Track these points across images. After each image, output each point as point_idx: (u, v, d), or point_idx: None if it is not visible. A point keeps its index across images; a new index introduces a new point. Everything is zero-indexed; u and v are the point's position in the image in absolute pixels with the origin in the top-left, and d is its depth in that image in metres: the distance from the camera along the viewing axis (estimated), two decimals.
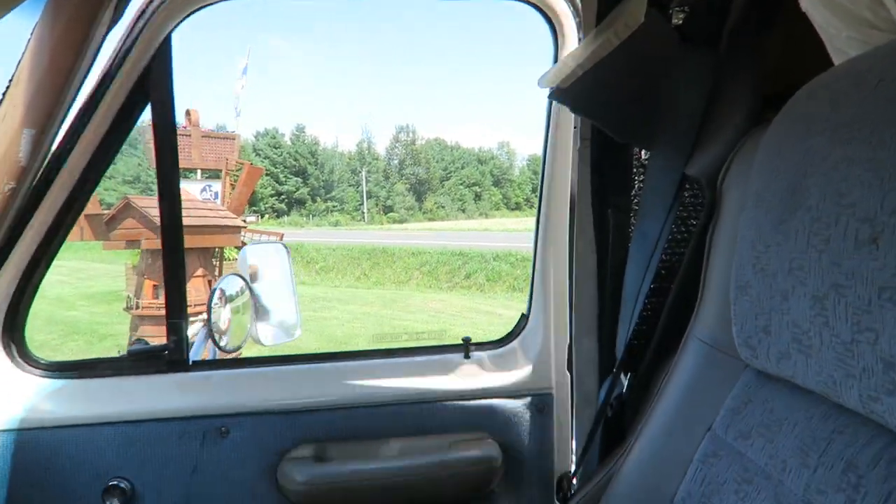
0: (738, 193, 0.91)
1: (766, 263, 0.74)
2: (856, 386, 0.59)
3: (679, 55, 1.07)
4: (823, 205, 0.64)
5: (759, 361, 0.76)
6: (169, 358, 1.46)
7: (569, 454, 1.44)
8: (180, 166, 1.43)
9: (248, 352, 1.97)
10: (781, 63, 1.07)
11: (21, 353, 1.41)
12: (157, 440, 1.41)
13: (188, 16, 1.36)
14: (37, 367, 1.42)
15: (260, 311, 1.82)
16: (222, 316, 1.69)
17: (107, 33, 1.15)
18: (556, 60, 1.46)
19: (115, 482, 1.38)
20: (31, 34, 1.11)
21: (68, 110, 1.20)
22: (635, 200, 1.21)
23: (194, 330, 1.81)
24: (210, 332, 1.62)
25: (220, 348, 1.64)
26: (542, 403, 1.47)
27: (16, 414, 1.34)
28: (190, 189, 11.83)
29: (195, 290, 8.57)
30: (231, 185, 12.79)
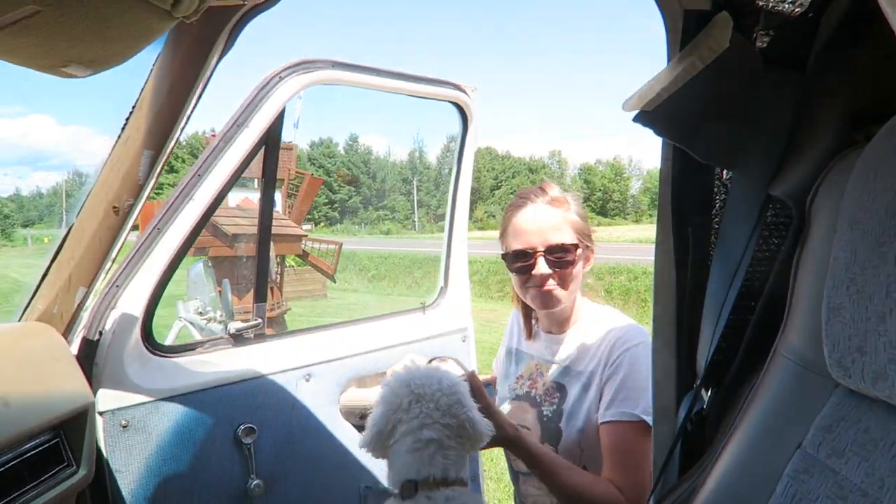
0: (828, 215, 0.93)
1: (861, 286, 0.76)
2: None
3: (764, 78, 1.09)
4: None
5: (853, 381, 0.78)
6: (256, 332, 1.93)
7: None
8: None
9: None
10: (871, 81, 1.07)
11: (153, 343, 1.71)
12: (264, 391, 1.87)
13: (307, 86, 1.82)
14: (167, 353, 1.73)
15: None
16: None
17: (218, 62, 1.24)
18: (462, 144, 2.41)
19: (243, 425, 1.81)
20: (154, 64, 1.22)
21: (181, 133, 1.31)
22: (716, 219, 1.22)
23: None
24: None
25: None
26: (464, 336, 2.47)
27: (161, 386, 1.67)
28: (251, 198, 12.26)
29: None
30: (289, 194, 13.17)
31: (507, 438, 1.49)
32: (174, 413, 1.64)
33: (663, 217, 1.23)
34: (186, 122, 1.30)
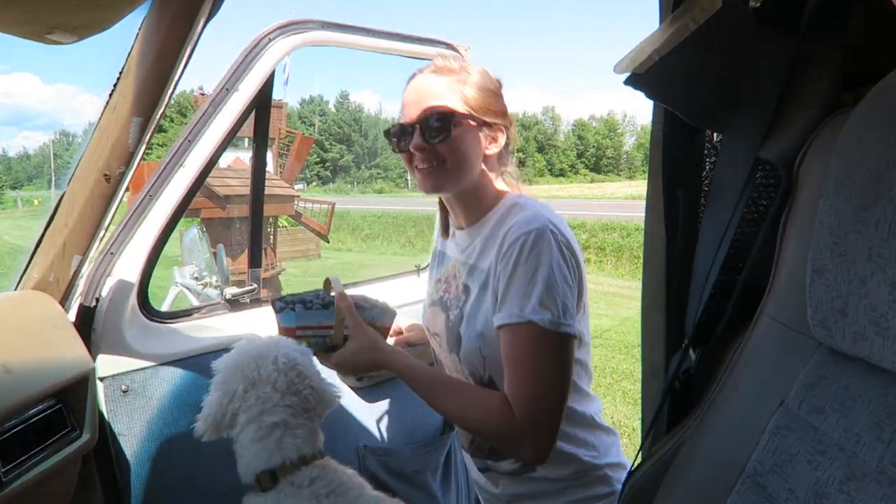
0: (815, 178, 0.94)
1: (844, 249, 0.78)
2: None
3: (757, 39, 1.08)
4: None
5: (835, 341, 0.80)
6: (251, 297, 1.96)
7: None
8: None
9: None
10: (863, 43, 1.07)
11: (150, 309, 1.73)
12: None
13: (297, 48, 1.77)
14: (164, 318, 1.75)
15: None
16: None
17: (204, 27, 1.22)
18: None
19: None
20: (140, 28, 1.20)
21: (169, 98, 1.29)
22: (706, 181, 1.23)
23: None
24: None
25: None
26: None
27: (159, 352, 1.69)
28: (241, 157, 12.13)
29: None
30: (280, 153, 13.04)
31: (371, 362, 1.37)
32: (173, 377, 1.67)
33: (654, 180, 1.24)
34: (175, 88, 1.29)
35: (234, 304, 1.94)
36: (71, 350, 1.32)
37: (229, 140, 1.71)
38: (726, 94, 1.11)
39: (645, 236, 1.30)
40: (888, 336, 0.70)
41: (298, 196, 12.72)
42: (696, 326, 1.16)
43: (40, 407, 1.20)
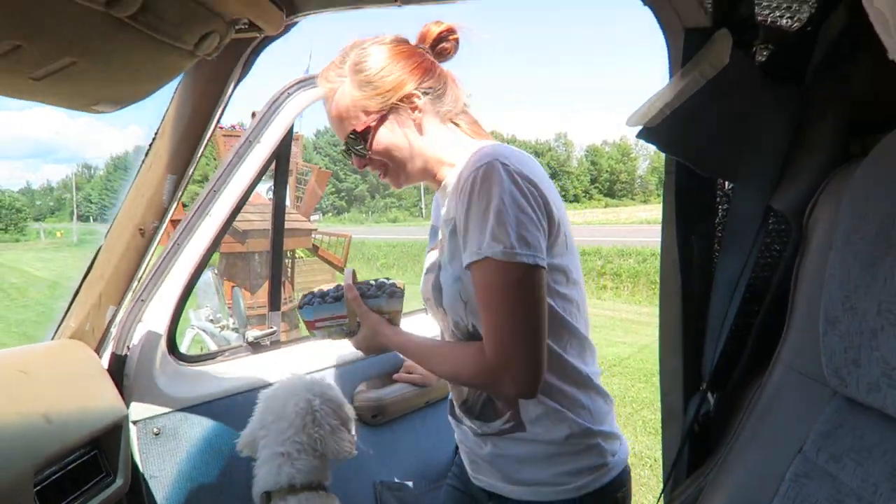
0: (825, 229, 0.97)
1: (855, 302, 0.81)
2: None
3: (764, 92, 1.12)
4: None
5: (849, 390, 0.83)
6: (272, 340, 2.03)
7: None
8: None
9: None
10: (869, 91, 1.11)
11: (178, 353, 1.80)
12: None
13: (315, 101, 1.86)
14: (191, 362, 1.82)
15: None
16: None
17: (234, 89, 1.29)
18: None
19: None
20: (175, 92, 1.27)
21: (200, 156, 1.36)
22: (719, 227, 1.27)
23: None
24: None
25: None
26: None
27: (188, 395, 1.76)
28: (259, 191, 12.30)
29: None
30: (297, 187, 13.22)
31: (378, 347, 1.47)
32: (202, 420, 1.71)
33: (668, 226, 1.27)
34: (206, 146, 1.36)
35: (255, 346, 2.00)
36: (106, 398, 1.37)
37: (251, 189, 1.78)
38: (735, 146, 1.15)
39: (661, 281, 1.33)
40: None
41: (315, 229, 12.86)
42: (713, 370, 1.18)
43: (77, 454, 1.25)
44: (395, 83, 1.32)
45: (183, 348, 3.94)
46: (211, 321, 3.02)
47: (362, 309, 1.47)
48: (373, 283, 1.52)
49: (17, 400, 1.14)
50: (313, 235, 12.56)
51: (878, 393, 0.77)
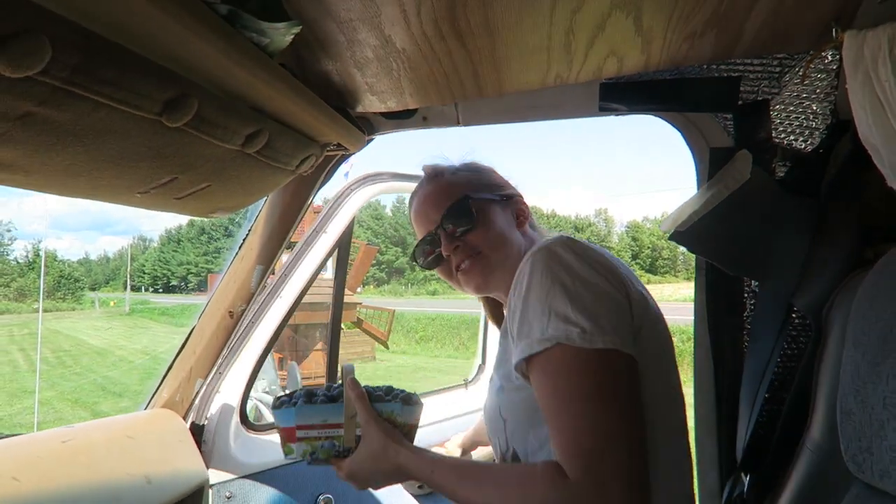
0: (839, 329, 1.09)
1: (865, 396, 0.92)
2: None
3: (783, 204, 1.28)
4: None
5: (865, 476, 0.93)
6: None
7: None
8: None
9: None
10: (879, 202, 1.24)
11: (248, 422, 1.92)
12: None
13: (375, 196, 2.08)
14: (258, 430, 1.94)
15: None
16: None
17: (318, 190, 1.51)
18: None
19: (322, 495, 1.94)
20: (267, 198, 1.50)
21: (284, 248, 1.57)
22: (748, 321, 1.39)
23: None
24: None
25: None
26: None
27: (257, 461, 1.87)
28: None
29: (315, 362, 9.25)
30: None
31: (385, 472, 1.13)
32: (268, 485, 1.85)
33: (700, 322, 1.40)
34: (289, 240, 1.57)
35: None
36: (192, 462, 1.53)
37: (318, 272, 1.98)
38: (758, 250, 1.30)
39: (695, 370, 1.45)
40: None
41: (361, 304, 13.19)
42: (745, 453, 1.28)
43: None
44: (507, 183, 1.34)
45: None
46: (266, 392, 3.18)
47: (369, 414, 1.15)
48: (378, 386, 1.24)
49: (126, 462, 1.31)
50: (357, 309, 12.86)
51: (888, 479, 0.87)
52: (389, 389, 1.23)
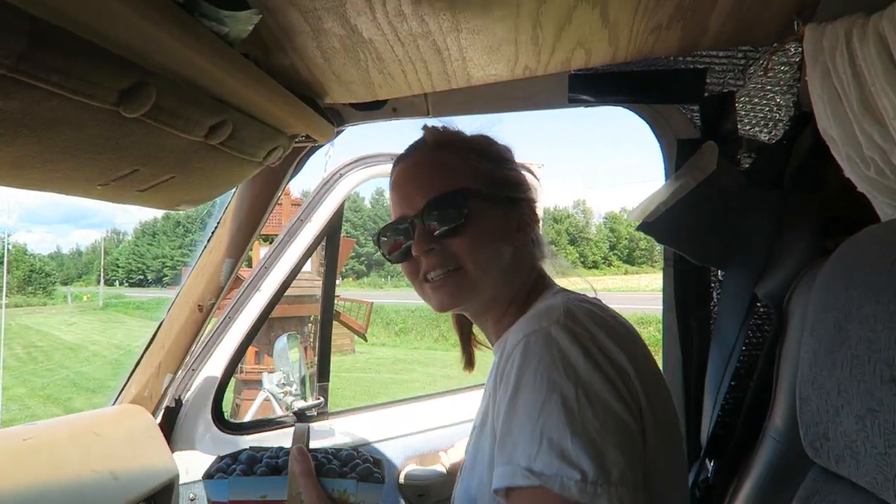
0: (799, 316, 1.12)
1: (821, 383, 0.94)
2: (891, 488, 0.78)
3: (747, 195, 1.29)
4: (859, 346, 0.84)
5: (823, 461, 0.95)
6: (319, 411, 1.96)
7: None
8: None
9: None
10: (840, 194, 1.27)
11: (223, 421, 1.84)
12: None
13: (365, 181, 1.93)
14: (233, 430, 1.86)
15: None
16: None
17: (287, 182, 1.50)
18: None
19: None
20: (236, 189, 1.48)
21: (254, 240, 1.55)
22: (714, 309, 1.41)
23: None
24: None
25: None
26: None
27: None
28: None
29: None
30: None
31: None
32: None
33: (668, 311, 1.42)
34: (259, 233, 1.55)
35: (301, 416, 1.98)
36: (161, 458, 1.51)
37: (302, 264, 1.88)
38: (723, 240, 1.32)
39: (663, 356, 1.47)
40: (860, 460, 0.85)
41: (338, 296, 13.11)
42: (710, 439, 1.30)
43: None
44: (522, 181, 1.06)
45: (251, 413, 3.89)
46: (278, 386, 2.96)
47: (316, 494, 0.98)
48: (337, 451, 1.06)
49: (91, 459, 1.29)
50: (336, 301, 12.81)
51: (843, 463, 0.89)
52: (350, 457, 1.04)
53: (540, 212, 1.12)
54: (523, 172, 1.09)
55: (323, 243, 1.98)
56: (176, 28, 0.70)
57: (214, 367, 1.79)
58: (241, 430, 1.88)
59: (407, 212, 1.02)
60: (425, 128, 1.06)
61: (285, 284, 1.84)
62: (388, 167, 1.98)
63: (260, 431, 1.92)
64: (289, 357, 2.63)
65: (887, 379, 0.78)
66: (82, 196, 0.99)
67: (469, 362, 1.20)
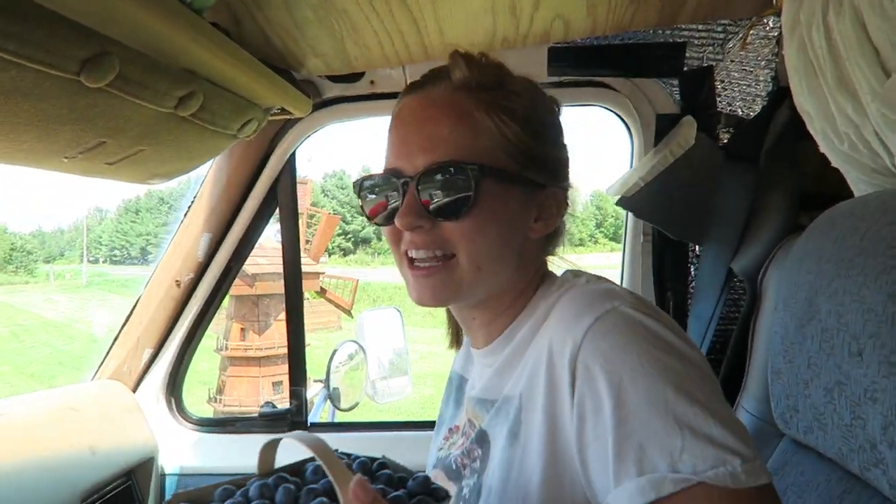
0: (773, 291, 1.13)
1: (792, 357, 0.95)
2: (855, 458, 0.80)
3: (725, 169, 1.30)
4: (829, 320, 0.85)
5: (792, 432, 0.97)
6: (291, 419, 1.73)
7: None
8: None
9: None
10: (815, 170, 1.28)
11: (179, 408, 1.73)
12: None
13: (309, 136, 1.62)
14: (189, 422, 1.74)
15: (376, 372, 2.09)
16: (339, 378, 1.96)
17: (266, 157, 1.48)
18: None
19: None
20: (213, 163, 1.46)
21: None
22: (691, 285, 1.42)
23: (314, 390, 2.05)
24: (329, 394, 1.91)
25: (338, 408, 1.92)
26: None
27: (177, 461, 1.66)
28: (266, 233, 12.56)
29: (279, 333, 9.14)
30: (305, 228, 13.53)
31: None
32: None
33: (647, 286, 1.43)
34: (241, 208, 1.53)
35: (266, 423, 1.76)
36: (141, 433, 1.51)
37: (252, 234, 1.64)
38: (700, 215, 1.32)
39: None
40: (827, 431, 0.87)
41: (324, 273, 13.11)
42: None
43: (116, 483, 1.38)
44: (559, 158, 0.88)
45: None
46: (381, 369, 2.38)
47: None
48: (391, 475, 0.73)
49: (68, 434, 1.28)
50: (320, 279, 12.79)
51: (811, 434, 0.91)
52: (423, 482, 0.70)
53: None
54: (568, 153, 0.89)
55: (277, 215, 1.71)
56: None
57: (167, 351, 1.67)
58: (205, 427, 1.76)
59: (402, 166, 0.79)
60: (453, 55, 0.82)
61: (238, 254, 1.64)
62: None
63: (224, 432, 1.76)
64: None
65: (854, 352, 0.79)
66: (50, 168, 0.97)
67: (455, 340, 1.07)
